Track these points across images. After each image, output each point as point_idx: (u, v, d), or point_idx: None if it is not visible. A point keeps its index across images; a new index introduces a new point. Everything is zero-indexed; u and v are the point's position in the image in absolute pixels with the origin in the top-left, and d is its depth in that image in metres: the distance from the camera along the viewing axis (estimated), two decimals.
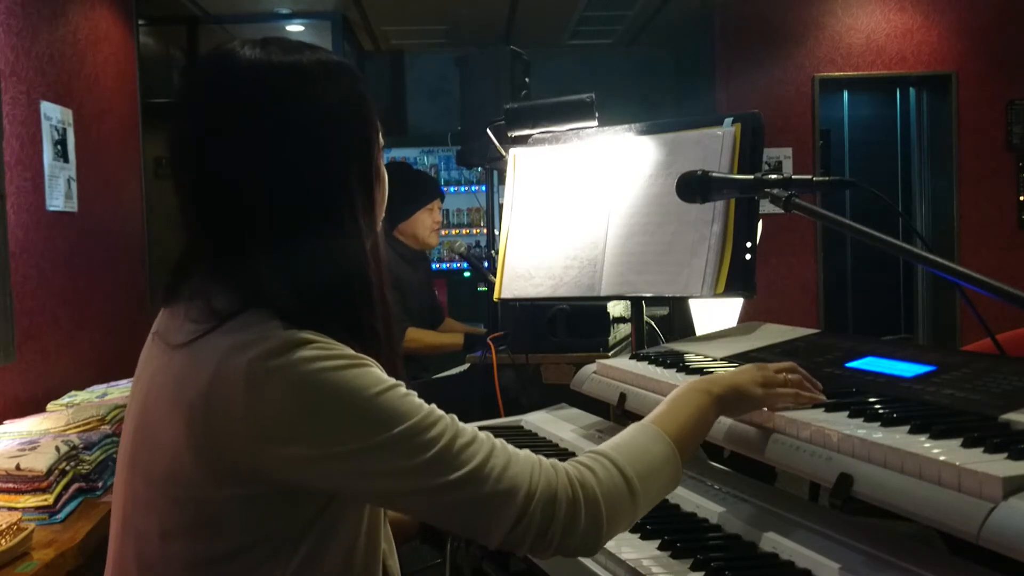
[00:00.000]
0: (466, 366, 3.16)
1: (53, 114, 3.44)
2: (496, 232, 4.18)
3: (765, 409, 1.26)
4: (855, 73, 6.12)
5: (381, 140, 1.13)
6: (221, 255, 1.03)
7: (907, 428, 1.09)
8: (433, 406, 1.01)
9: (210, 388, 0.96)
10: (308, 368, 0.95)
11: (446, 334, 3.79)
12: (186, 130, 1.05)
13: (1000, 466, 0.93)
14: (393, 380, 1.00)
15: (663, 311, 2.95)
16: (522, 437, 1.86)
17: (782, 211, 1.40)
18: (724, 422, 1.34)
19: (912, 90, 6.44)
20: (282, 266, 1.01)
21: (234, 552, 1.00)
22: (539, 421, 1.94)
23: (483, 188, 6.72)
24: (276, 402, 0.94)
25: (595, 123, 2.31)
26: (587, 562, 1.25)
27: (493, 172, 4.20)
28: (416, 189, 3.79)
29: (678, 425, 1.16)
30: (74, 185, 3.59)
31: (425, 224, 3.76)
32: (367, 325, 1.06)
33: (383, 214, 1.17)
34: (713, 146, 1.87)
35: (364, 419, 0.96)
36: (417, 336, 3.59)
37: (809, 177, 1.45)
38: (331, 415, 0.95)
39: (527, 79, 3.74)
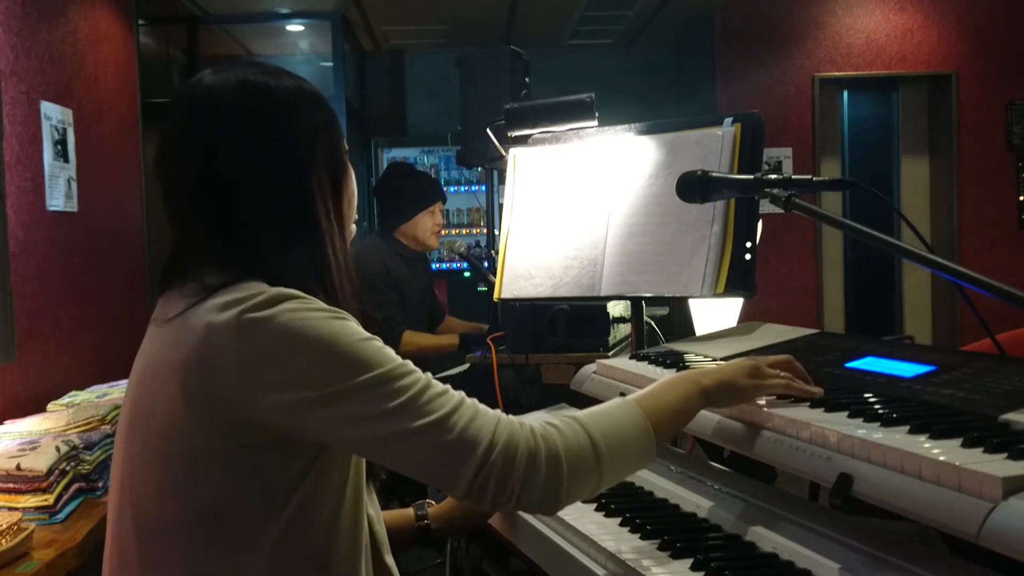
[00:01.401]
0: (466, 366, 3.16)
1: (53, 114, 3.44)
2: (496, 232, 4.19)
3: (765, 408, 1.26)
4: (855, 73, 6.12)
5: (346, 145, 1.25)
6: (213, 245, 1.13)
7: (907, 428, 1.09)
8: (408, 361, 1.08)
9: (203, 342, 1.04)
10: (294, 316, 1.04)
11: (442, 336, 3.77)
12: (186, 141, 1.15)
13: (1000, 466, 0.93)
14: (370, 335, 1.08)
15: (663, 311, 2.95)
16: None
17: (782, 211, 1.40)
18: (723, 422, 1.34)
19: (912, 90, 6.44)
20: (267, 248, 1.12)
21: (226, 508, 1.06)
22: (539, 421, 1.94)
23: (483, 188, 6.72)
24: (264, 348, 1.03)
25: (595, 123, 2.31)
26: (587, 561, 1.25)
27: (493, 172, 4.20)
28: (417, 191, 3.78)
29: (658, 406, 1.19)
30: (74, 185, 3.59)
31: (426, 226, 3.75)
32: (339, 287, 1.17)
33: (354, 200, 1.26)
34: (713, 146, 1.87)
35: (344, 362, 1.03)
36: (412, 340, 3.58)
37: (809, 177, 1.45)
38: (314, 358, 1.03)
39: (527, 79, 3.74)
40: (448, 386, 1.09)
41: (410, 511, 1.54)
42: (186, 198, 1.15)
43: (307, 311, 1.05)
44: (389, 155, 7.40)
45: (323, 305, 1.07)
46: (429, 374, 1.09)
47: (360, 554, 1.16)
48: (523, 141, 2.29)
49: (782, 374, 1.29)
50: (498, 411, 1.10)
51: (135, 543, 1.10)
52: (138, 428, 1.11)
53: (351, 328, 1.06)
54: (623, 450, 1.13)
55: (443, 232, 3.94)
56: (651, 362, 1.69)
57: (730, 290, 1.80)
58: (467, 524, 1.57)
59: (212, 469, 1.05)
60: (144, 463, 1.09)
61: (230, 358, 1.03)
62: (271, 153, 1.13)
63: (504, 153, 2.40)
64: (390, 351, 1.08)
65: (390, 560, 1.28)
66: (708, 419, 1.39)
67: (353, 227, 1.27)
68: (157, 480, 1.07)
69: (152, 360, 1.11)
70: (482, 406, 1.10)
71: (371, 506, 1.25)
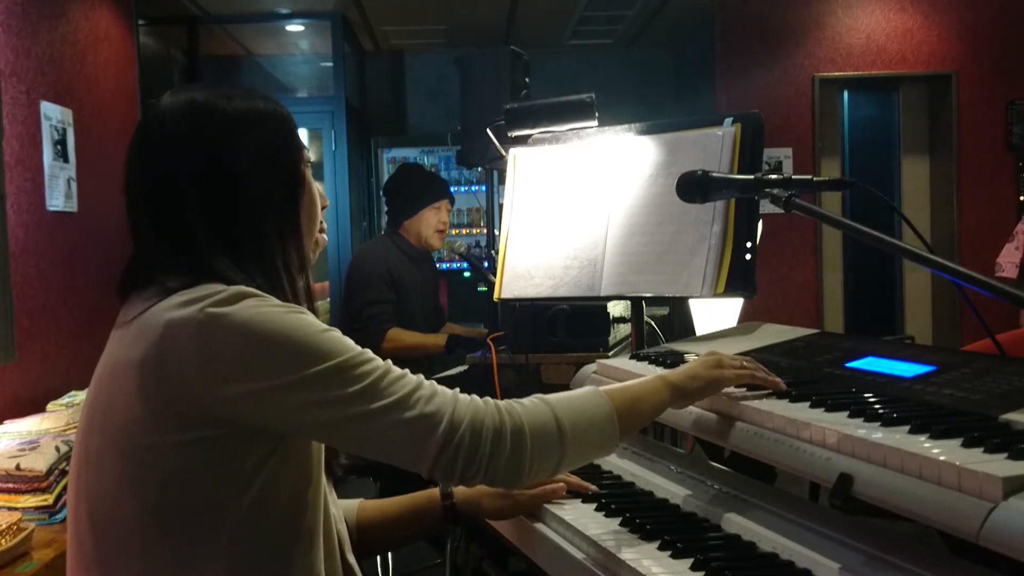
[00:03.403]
0: (466, 366, 3.16)
1: (53, 114, 3.44)
2: (496, 232, 4.18)
3: (751, 403, 1.27)
4: (855, 73, 6.12)
5: (308, 156, 1.28)
6: (169, 254, 1.16)
7: (907, 428, 1.09)
8: (367, 350, 1.13)
9: (161, 339, 1.07)
10: (254, 311, 1.08)
11: (428, 335, 3.65)
12: (139, 158, 1.21)
13: (1000, 466, 0.93)
14: (328, 326, 1.13)
15: (663, 311, 2.95)
16: None
17: (782, 211, 1.40)
18: (724, 421, 1.34)
19: (913, 90, 6.44)
20: (216, 257, 1.15)
21: (180, 502, 1.08)
22: None
23: (483, 188, 6.71)
24: (226, 341, 1.06)
25: (595, 123, 2.31)
26: (587, 561, 1.25)
27: (493, 172, 4.19)
28: (425, 186, 3.76)
29: (624, 397, 1.26)
30: (74, 185, 3.59)
31: (430, 223, 3.72)
32: (288, 295, 1.19)
33: (314, 210, 1.29)
34: (713, 146, 1.87)
35: (303, 352, 1.08)
36: (397, 336, 3.53)
37: (809, 177, 1.45)
38: (275, 350, 1.07)
39: (527, 79, 3.73)
40: (407, 370, 1.14)
41: (435, 492, 1.51)
42: (141, 211, 1.20)
43: (267, 307, 1.09)
44: (389, 155, 7.40)
45: (280, 302, 1.12)
46: (389, 361, 1.14)
47: (319, 547, 1.18)
48: (523, 141, 2.29)
49: (745, 362, 1.35)
50: (456, 390, 1.16)
51: (92, 542, 1.12)
52: (94, 427, 1.13)
53: (309, 321, 1.11)
54: (586, 432, 1.20)
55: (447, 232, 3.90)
56: (651, 362, 1.69)
57: (730, 290, 1.80)
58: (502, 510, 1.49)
59: (165, 464, 1.07)
60: (99, 461, 1.11)
61: (189, 352, 1.06)
62: (214, 171, 1.17)
63: (504, 153, 2.40)
64: (349, 341, 1.12)
65: (351, 558, 1.30)
66: (708, 418, 1.39)
67: (323, 236, 1.32)
68: (112, 477, 1.10)
69: (111, 361, 1.14)
70: (440, 386, 1.15)
71: (333, 505, 1.28)
